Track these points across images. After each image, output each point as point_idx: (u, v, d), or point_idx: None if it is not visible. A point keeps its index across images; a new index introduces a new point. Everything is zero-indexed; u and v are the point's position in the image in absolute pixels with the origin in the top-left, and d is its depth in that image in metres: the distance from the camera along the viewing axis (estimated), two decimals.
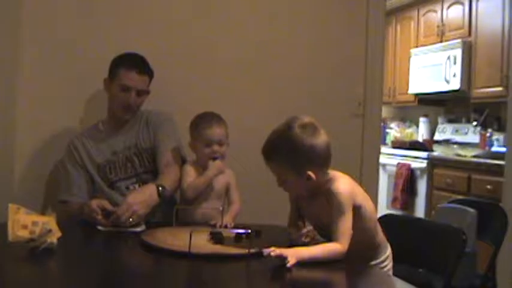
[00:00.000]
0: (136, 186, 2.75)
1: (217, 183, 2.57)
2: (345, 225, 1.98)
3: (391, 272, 2.20)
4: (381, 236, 2.20)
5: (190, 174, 2.58)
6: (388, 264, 2.19)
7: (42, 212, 2.90)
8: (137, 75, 2.76)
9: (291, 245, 2.02)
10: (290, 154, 2.03)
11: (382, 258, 2.18)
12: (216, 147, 2.54)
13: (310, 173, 2.03)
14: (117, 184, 2.78)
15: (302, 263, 1.85)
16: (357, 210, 2.04)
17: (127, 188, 2.76)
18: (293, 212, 2.27)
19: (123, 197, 2.56)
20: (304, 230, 2.15)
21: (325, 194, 2.04)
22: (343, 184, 2.06)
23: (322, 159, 2.05)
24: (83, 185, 2.78)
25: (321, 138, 2.05)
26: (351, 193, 2.05)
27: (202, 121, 2.58)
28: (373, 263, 2.16)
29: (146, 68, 2.81)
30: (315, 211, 2.14)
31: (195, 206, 2.54)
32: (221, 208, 2.47)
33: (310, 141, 2.02)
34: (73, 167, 2.80)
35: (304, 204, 2.20)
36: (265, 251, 1.84)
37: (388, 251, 2.21)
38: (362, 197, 2.11)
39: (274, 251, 1.84)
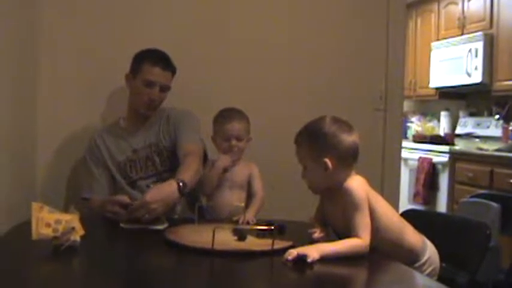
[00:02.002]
0: (157, 184, 2.72)
1: (238, 175, 2.59)
2: (363, 219, 1.97)
3: (435, 276, 2.12)
4: (410, 238, 2.12)
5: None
6: (428, 268, 2.10)
7: (65, 210, 2.91)
8: (161, 71, 2.74)
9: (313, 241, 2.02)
10: (312, 138, 2.07)
11: (421, 262, 2.10)
12: (234, 142, 2.56)
13: (327, 160, 2.02)
14: (138, 183, 2.78)
15: (325, 259, 1.85)
16: (370, 210, 2.03)
17: (147, 186, 2.73)
18: (319, 209, 2.25)
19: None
20: (316, 235, 2.12)
21: (341, 196, 2.03)
22: (356, 181, 2.05)
23: (343, 152, 2.04)
24: (104, 182, 2.79)
25: (350, 137, 2.05)
26: (362, 188, 2.04)
27: (223, 116, 2.60)
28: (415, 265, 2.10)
29: (170, 64, 2.80)
30: (333, 214, 2.13)
31: (218, 201, 2.56)
32: (243, 204, 2.48)
33: (336, 132, 2.04)
34: (94, 165, 2.80)
35: (326, 204, 2.19)
36: (284, 257, 1.83)
37: (427, 255, 2.11)
38: (373, 197, 2.08)
39: (291, 254, 1.82)
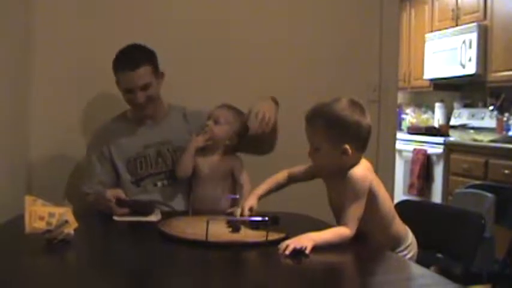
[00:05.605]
0: (165, 182, 2.70)
1: (220, 166, 2.56)
2: (356, 210, 1.99)
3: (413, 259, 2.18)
4: (398, 226, 2.17)
5: None
6: (409, 253, 2.16)
7: (59, 203, 2.89)
8: (132, 73, 2.58)
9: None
10: (332, 123, 2.03)
11: (401, 248, 2.15)
12: (209, 122, 2.55)
13: (347, 146, 2.02)
14: (145, 181, 2.70)
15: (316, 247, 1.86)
16: (371, 196, 2.04)
17: (154, 184, 2.69)
18: (300, 173, 2.30)
19: (149, 194, 2.64)
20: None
21: (344, 183, 2.03)
22: (361, 169, 2.05)
23: (362, 140, 2.06)
24: (105, 179, 2.69)
25: (367, 120, 2.06)
26: (366, 179, 2.04)
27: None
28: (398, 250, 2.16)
29: (139, 59, 2.61)
30: (337, 196, 2.13)
31: (201, 193, 2.55)
32: (238, 196, 2.47)
33: (357, 118, 2.03)
34: (97, 160, 2.71)
35: (330, 191, 2.19)
36: (281, 250, 1.83)
37: (409, 241, 2.18)
38: (377, 184, 2.10)
39: (288, 247, 1.82)
